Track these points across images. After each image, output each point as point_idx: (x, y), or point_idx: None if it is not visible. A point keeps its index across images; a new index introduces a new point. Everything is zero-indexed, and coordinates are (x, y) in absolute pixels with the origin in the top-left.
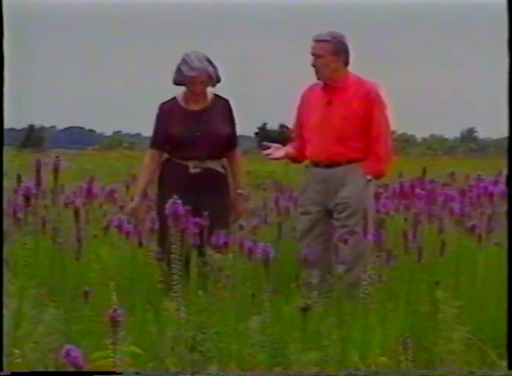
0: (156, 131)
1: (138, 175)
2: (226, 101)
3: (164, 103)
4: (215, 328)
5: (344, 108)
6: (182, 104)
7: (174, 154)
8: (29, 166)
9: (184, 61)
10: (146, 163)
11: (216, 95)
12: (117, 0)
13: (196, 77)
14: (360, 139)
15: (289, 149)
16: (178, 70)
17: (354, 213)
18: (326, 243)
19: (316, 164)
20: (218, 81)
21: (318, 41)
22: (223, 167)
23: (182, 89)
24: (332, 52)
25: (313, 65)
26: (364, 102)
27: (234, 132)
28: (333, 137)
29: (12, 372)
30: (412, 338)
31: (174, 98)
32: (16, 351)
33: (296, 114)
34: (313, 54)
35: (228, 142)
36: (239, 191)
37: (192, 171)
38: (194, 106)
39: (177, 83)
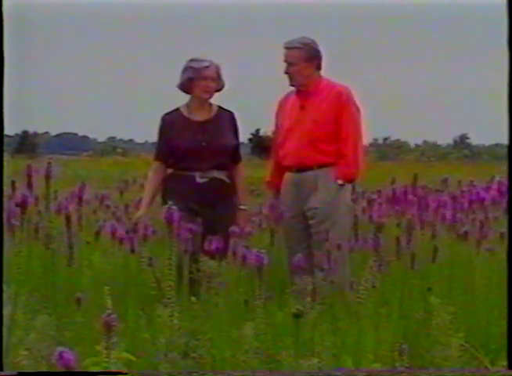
0: (160, 144)
1: (144, 187)
2: (231, 114)
3: (167, 114)
4: (208, 334)
5: (315, 111)
6: (186, 114)
7: (179, 166)
8: (23, 172)
9: (191, 60)
10: (151, 176)
11: (220, 107)
12: (111, 4)
13: (208, 67)
14: (331, 142)
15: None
16: (188, 69)
17: (325, 219)
18: (308, 248)
19: (289, 169)
20: (223, 85)
21: (289, 48)
22: (228, 177)
23: (181, 101)
24: (304, 59)
25: (286, 72)
26: (334, 104)
27: (238, 145)
28: (304, 140)
29: (18, 372)
30: (405, 344)
31: (178, 109)
32: (23, 352)
33: (274, 122)
34: (285, 61)
35: (232, 155)
36: (242, 207)
37: (200, 180)
38: (199, 117)
39: (185, 84)
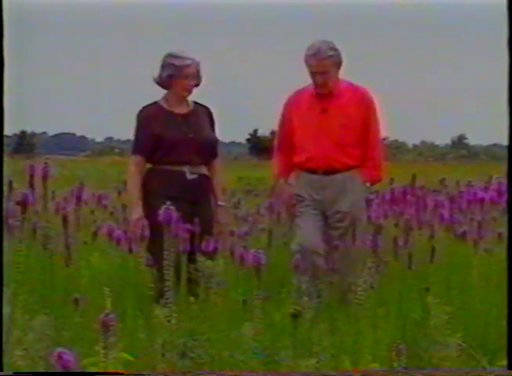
0: (140, 137)
1: (129, 185)
2: (207, 108)
3: (145, 107)
4: (206, 335)
5: (341, 115)
6: (167, 108)
7: (165, 160)
8: (21, 172)
9: (172, 56)
10: (134, 170)
11: (196, 102)
12: (111, 5)
13: (189, 66)
14: (358, 145)
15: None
16: (168, 66)
17: (354, 222)
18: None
19: (313, 172)
20: (200, 81)
21: (321, 58)
22: (209, 173)
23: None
24: (336, 65)
25: (317, 82)
26: (360, 107)
27: (217, 140)
28: (331, 144)
29: (13, 372)
30: (403, 344)
31: (156, 102)
32: (18, 352)
33: (282, 122)
34: (316, 72)
35: (213, 150)
36: (221, 203)
37: (190, 177)
38: (179, 110)
39: (164, 80)
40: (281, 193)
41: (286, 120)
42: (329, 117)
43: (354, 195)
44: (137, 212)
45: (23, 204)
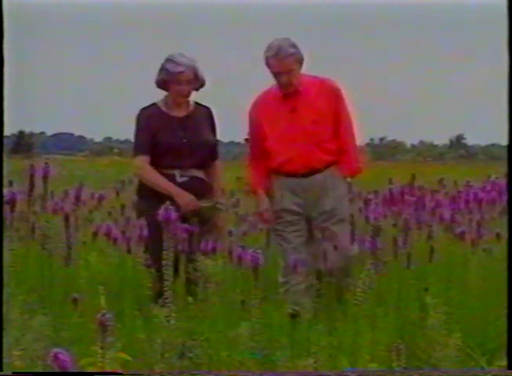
0: (142, 138)
1: (156, 181)
2: (208, 109)
3: (144, 108)
4: (205, 335)
5: (311, 111)
6: (165, 110)
7: (158, 163)
8: (19, 172)
9: (168, 60)
10: (148, 167)
11: (197, 103)
12: (111, 5)
13: (182, 72)
14: (333, 139)
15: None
16: (163, 70)
17: (340, 219)
18: (309, 249)
19: (291, 174)
20: (203, 84)
21: (283, 57)
22: (206, 175)
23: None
24: (299, 62)
25: (281, 82)
26: (329, 99)
27: (217, 142)
28: (307, 143)
29: (12, 372)
30: (401, 344)
31: (155, 104)
32: (16, 353)
33: (251, 129)
34: (279, 72)
35: (211, 152)
36: (220, 206)
37: (180, 180)
38: (177, 112)
39: (161, 84)
40: (261, 209)
41: (254, 126)
42: (300, 115)
43: (335, 192)
44: (185, 196)
45: (12, 202)
